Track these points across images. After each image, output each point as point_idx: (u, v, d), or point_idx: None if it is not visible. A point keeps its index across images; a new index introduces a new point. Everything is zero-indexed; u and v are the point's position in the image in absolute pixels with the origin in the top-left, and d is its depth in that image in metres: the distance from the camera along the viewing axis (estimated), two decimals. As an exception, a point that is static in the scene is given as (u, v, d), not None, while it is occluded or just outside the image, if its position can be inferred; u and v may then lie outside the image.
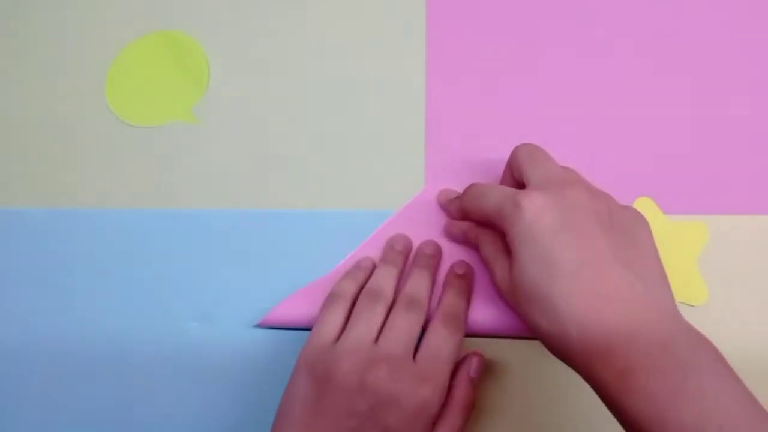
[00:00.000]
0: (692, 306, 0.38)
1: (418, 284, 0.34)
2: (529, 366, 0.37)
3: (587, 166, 0.39)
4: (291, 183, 0.40)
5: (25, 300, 0.40)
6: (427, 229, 0.38)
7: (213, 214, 0.40)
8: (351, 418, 0.30)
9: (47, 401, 0.39)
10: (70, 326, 0.39)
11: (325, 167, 0.40)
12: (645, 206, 0.38)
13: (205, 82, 0.41)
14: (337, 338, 0.32)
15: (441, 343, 0.32)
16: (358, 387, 0.30)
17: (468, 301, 0.35)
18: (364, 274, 0.36)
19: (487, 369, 0.37)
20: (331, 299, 0.34)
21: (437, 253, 0.36)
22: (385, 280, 0.34)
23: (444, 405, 0.32)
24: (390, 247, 0.37)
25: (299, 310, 0.38)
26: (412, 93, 0.40)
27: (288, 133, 0.40)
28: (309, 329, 0.38)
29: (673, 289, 0.38)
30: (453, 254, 0.37)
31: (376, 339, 0.32)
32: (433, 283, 0.36)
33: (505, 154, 0.39)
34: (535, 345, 0.33)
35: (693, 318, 0.37)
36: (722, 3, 0.40)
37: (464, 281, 0.36)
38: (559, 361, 0.30)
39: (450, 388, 0.32)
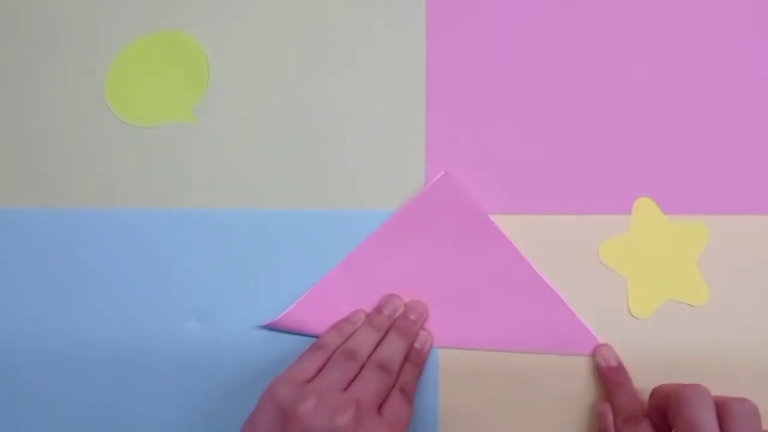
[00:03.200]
0: (692, 306, 0.38)
1: (391, 350, 0.35)
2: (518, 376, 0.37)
3: (588, 165, 0.39)
4: (291, 183, 0.40)
5: (25, 300, 0.40)
6: (426, 229, 0.38)
7: (213, 214, 0.40)
8: None
9: (47, 401, 0.39)
10: (70, 326, 0.39)
11: (325, 167, 0.40)
12: (645, 206, 0.38)
13: (205, 82, 0.41)
14: (309, 381, 0.33)
15: (402, 408, 0.34)
16: (326, 428, 0.30)
17: (420, 373, 0.37)
18: (352, 329, 0.37)
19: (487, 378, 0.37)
20: (313, 348, 0.35)
21: (421, 319, 0.37)
22: (364, 343, 0.35)
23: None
24: (379, 309, 0.38)
25: (305, 316, 0.38)
26: (412, 93, 0.40)
27: (288, 133, 0.40)
28: (311, 336, 0.38)
29: (673, 289, 0.38)
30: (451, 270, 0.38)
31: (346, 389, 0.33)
32: (410, 347, 0.36)
33: (505, 155, 0.39)
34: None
35: (693, 318, 0.38)
36: (722, 4, 0.40)
37: (419, 356, 0.37)
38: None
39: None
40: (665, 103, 0.39)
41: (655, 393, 0.34)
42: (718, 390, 0.37)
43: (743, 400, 0.32)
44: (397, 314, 0.37)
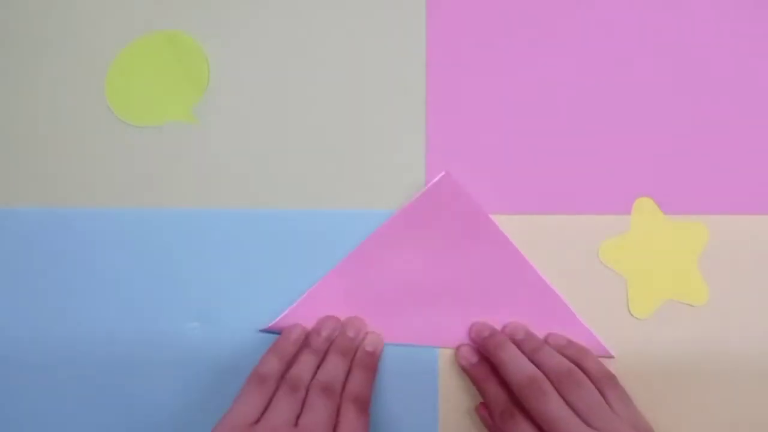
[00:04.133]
0: (692, 306, 0.38)
1: (332, 371, 0.35)
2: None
3: (588, 165, 0.39)
4: (291, 183, 0.40)
5: (25, 300, 0.40)
6: (426, 229, 0.38)
7: (213, 214, 0.40)
8: None
9: (46, 400, 0.39)
10: (70, 326, 0.39)
11: (325, 167, 0.40)
12: (645, 206, 0.38)
13: (205, 82, 0.41)
14: (256, 422, 0.32)
15: (357, 421, 0.33)
16: None
17: (374, 376, 0.37)
18: (293, 349, 0.36)
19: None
20: (255, 381, 0.34)
21: (359, 335, 0.37)
22: (305, 369, 0.35)
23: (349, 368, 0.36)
24: (317, 331, 0.37)
25: (305, 318, 0.38)
26: (412, 93, 0.40)
27: (288, 133, 0.40)
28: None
29: (673, 289, 0.38)
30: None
31: (296, 423, 0.32)
32: (349, 368, 0.36)
33: (505, 155, 0.39)
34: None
35: (693, 318, 0.38)
36: (722, 5, 0.40)
37: (372, 358, 0.37)
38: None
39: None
40: (665, 103, 0.39)
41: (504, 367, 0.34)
42: (717, 391, 0.37)
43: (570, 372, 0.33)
44: (335, 335, 0.37)
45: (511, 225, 0.38)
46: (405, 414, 0.38)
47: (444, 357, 0.38)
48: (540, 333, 0.37)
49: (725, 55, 0.39)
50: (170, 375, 0.39)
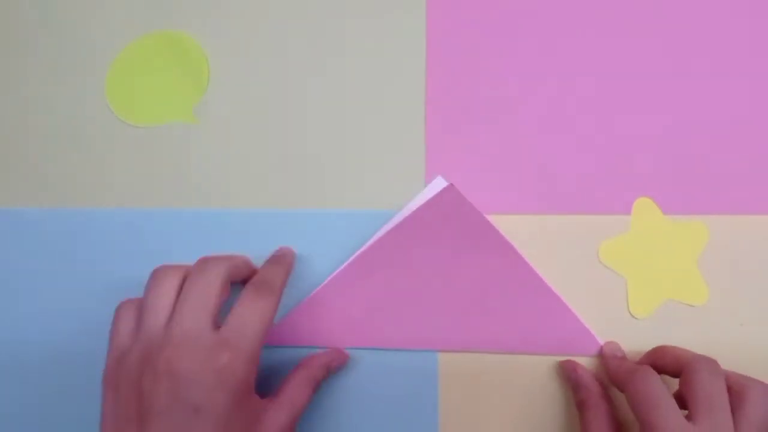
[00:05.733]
0: (692, 306, 0.38)
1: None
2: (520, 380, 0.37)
3: (588, 165, 0.39)
4: (291, 183, 0.40)
5: (25, 300, 0.40)
6: (428, 237, 0.37)
7: (213, 214, 0.40)
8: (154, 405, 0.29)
9: (47, 402, 0.39)
10: (71, 326, 0.39)
11: (325, 167, 0.40)
12: (645, 206, 0.38)
13: (205, 82, 0.41)
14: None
15: (246, 310, 0.32)
16: (151, 378, 0.30)
17: (287, 271, 0.36)
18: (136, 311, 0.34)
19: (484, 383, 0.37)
20: (118, 312, 0.34)
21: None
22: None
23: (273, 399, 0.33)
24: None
25: (298, 329, 0.38)
26: (412, 93, 0.40)
27: (288, 133, 0.40)
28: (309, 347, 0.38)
29: (673, 289, 0.38)
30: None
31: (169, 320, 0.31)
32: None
33: (505, 155, 0.39)
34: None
35: (693, 318, 0.38)
36: (723, 5, 0.40)
37: (284, 256, 0.37)
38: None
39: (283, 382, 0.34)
40: (665, 102, 0.39)
41: (663, 355, 0.35)
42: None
43: (757, 381, 0.32)
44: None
45: (510, 225, 0.38)
46: (405, 414, 0.38)
47: (443, 358, 0.38)
48: (540, 336, 0.37)
49: (726, 54, 0.39)
50: (170, 375, 0.39)
